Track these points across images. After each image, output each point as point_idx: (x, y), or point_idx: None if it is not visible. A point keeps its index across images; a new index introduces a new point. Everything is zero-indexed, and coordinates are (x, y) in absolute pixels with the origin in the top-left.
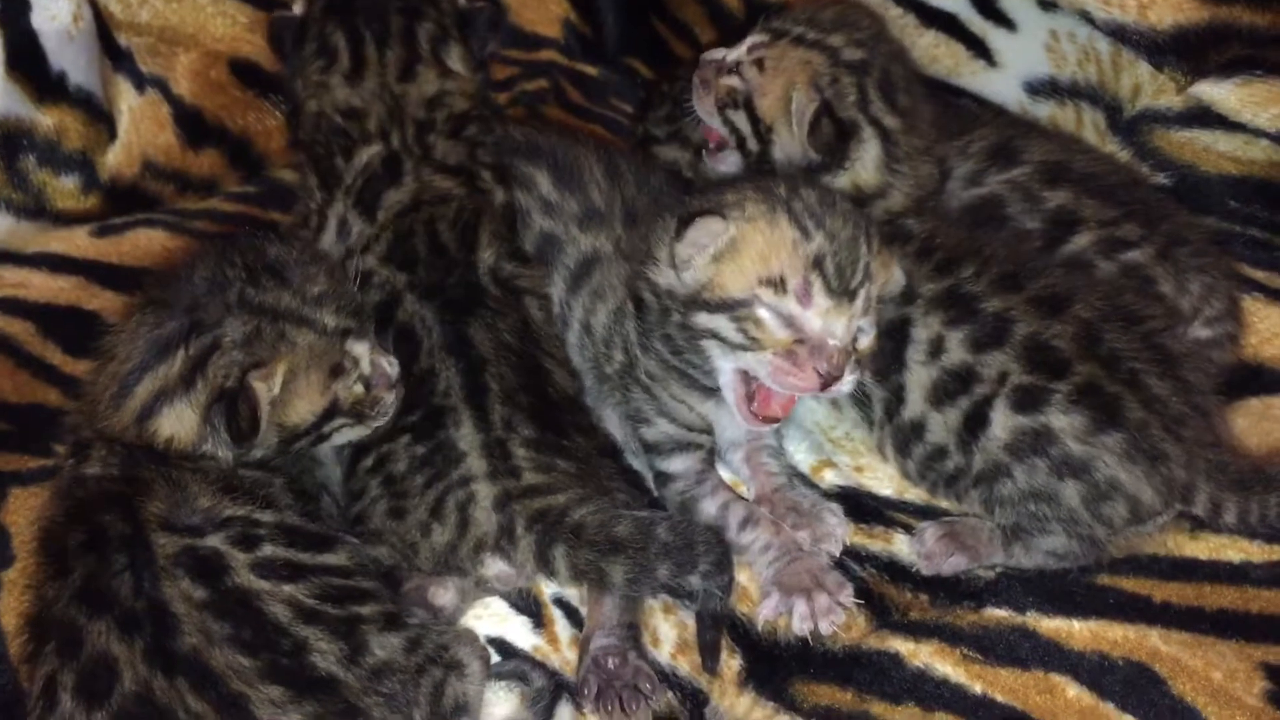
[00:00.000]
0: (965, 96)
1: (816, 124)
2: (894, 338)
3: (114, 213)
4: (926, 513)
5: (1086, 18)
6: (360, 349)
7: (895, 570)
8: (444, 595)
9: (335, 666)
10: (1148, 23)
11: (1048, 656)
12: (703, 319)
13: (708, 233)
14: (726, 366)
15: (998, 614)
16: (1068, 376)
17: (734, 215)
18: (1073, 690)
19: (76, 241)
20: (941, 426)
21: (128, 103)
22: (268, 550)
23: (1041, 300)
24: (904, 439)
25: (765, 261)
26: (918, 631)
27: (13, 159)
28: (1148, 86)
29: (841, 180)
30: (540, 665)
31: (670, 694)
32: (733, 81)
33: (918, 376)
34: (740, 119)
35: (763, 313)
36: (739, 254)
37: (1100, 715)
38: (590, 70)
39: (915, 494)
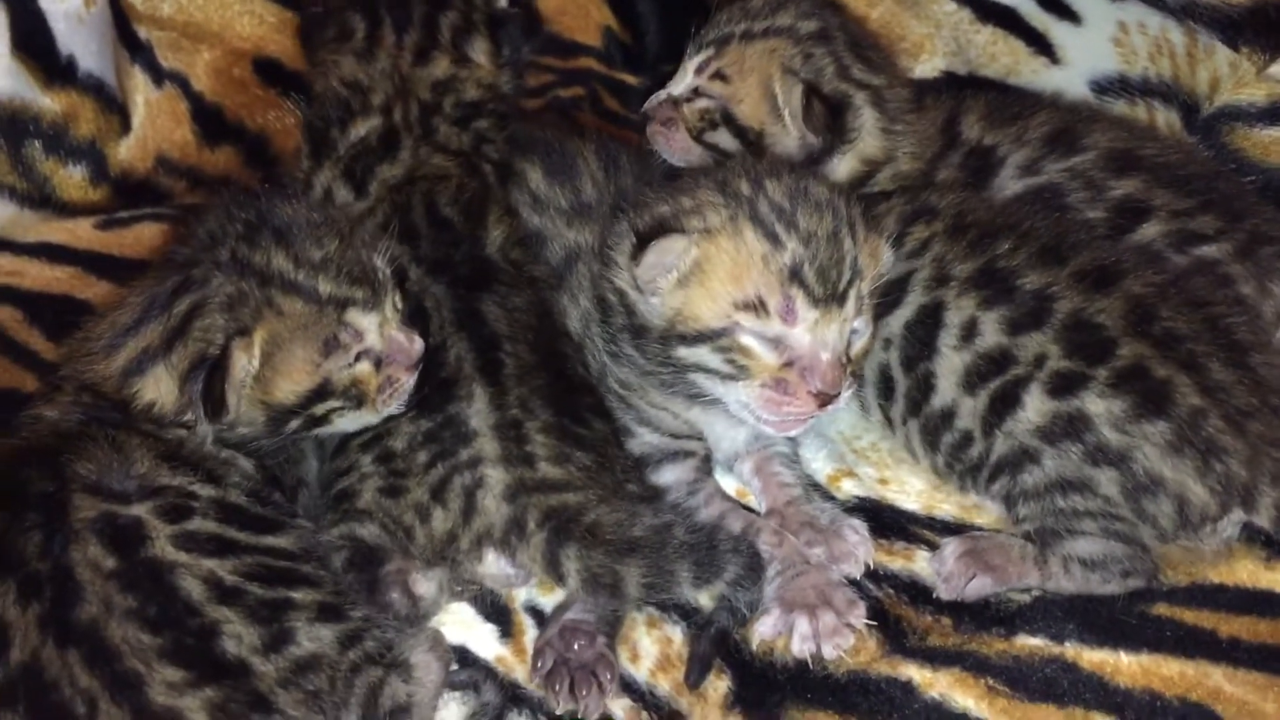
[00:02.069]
0: None
1: (808, 106)
2: (925, 323)
3: (122, 207)
4: (956, 530)
5: None
6: (367, 322)
7: (916, 591)
8: (424, 585)
9: (248, 653)
10: None
11: (1089, 692)
12: (683, 353)
13: (668, 253)
14: (729, 397)
15: (1032, 642)
16: (1110, 359)
17: (694, 228)
18: None
19: (79, 233)
20: (970, 411)
21: (144, 96)
22: (196, 523)
23: (1086, 274)
24: (932, 430)
25: (737, 283)
26: (936, 658)
27: (17, 145)
28: (1227, 80)
29: (849, 158)
30: (494, 676)
31: (644, 715)
32: (701, 104)
33: (950, 362)
34: (723, 137)
35: (747, 339)
36: (707, 277)
37: None
38: (630, 79)
39: (945, 509)
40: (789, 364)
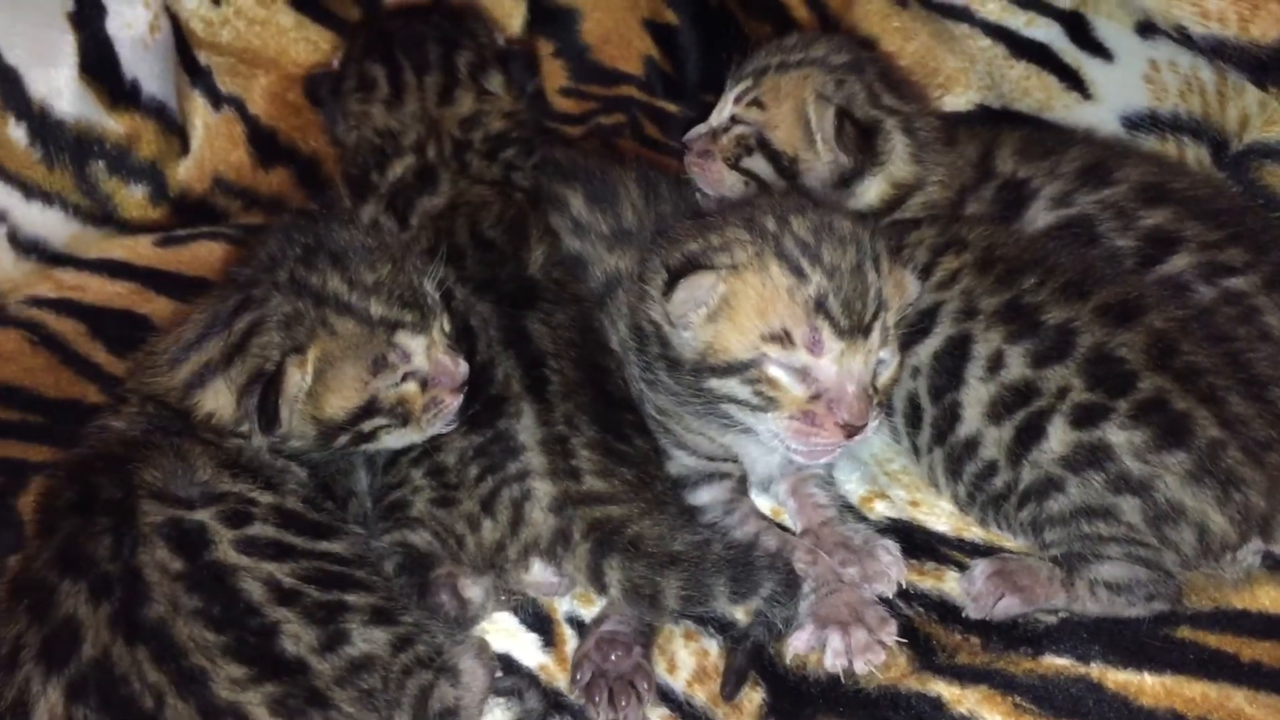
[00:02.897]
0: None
1: (840, 127)
2: (953, 355)
3: (180, 225)
4: (985, 552)
5: (1184, 36)
6: (415, 344)
7: (945, 610)
8: (473, 589)
9: (306, 652)
10: (1249, 37)
11: (1113, 712)
12: (715, 384)
13: (697, 289)
14: (760, 427)
15: (1058, 662)
16: (1131, 392)
17: (721, 264)
18: None
19: (139, 250)
20: (995, 441)
21: (202, 119)
22: (256, 529)
23: (1109, 308)
24: (956, 459)
25: (764, 316)
26: (964, 676)
27: (82, 164)
28: (1256, 118)
29: (879, 181)
30: (536, 684)
31: None
32: (737, 130)
33: (976, 393)
34: (758, 163)
35: (774, 371)
36: (735, 311)
37: None
38: (670, 107)
39: (975, 531)
40: (816, 396)
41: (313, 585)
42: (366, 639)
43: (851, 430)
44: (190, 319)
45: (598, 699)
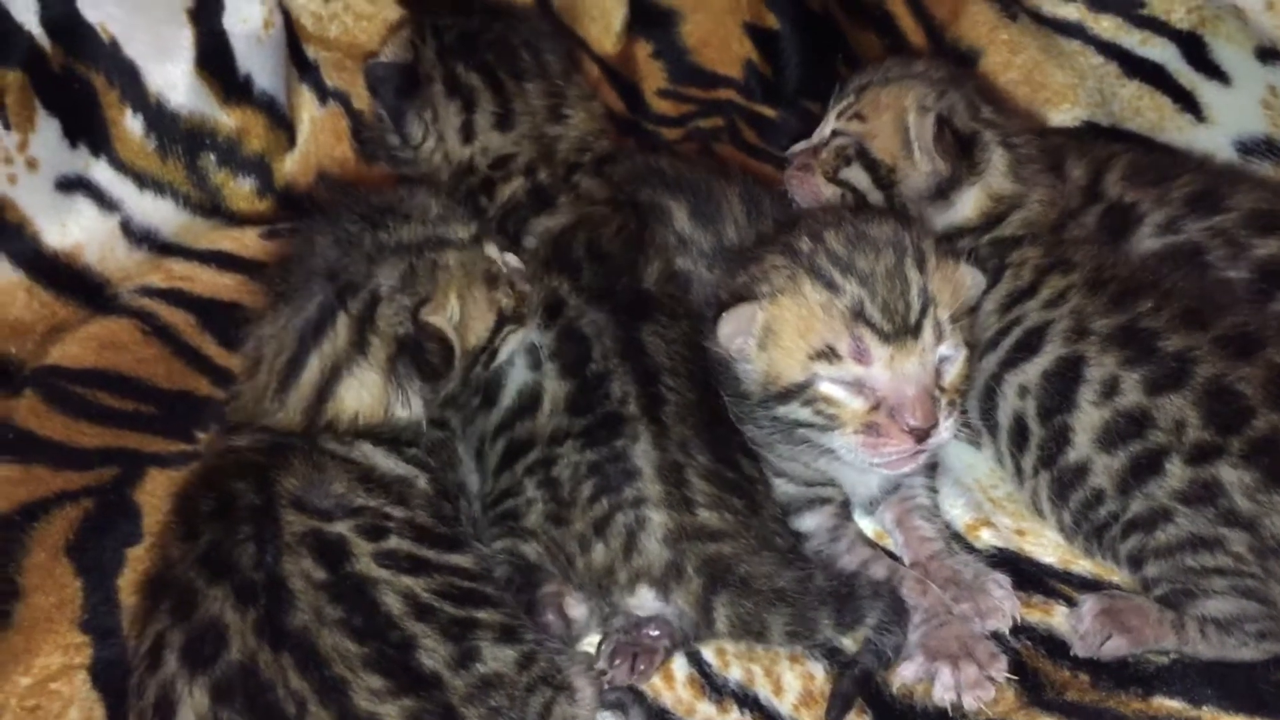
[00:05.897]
0: None
1: (940, 133)
2: (1065, 376)
3: (284, 218)
4: (1093, 586)
5: None
6: (494, 251)
7: (1053, 645)
8: (577, 609)
9: (442, 667)
10: None
11: None
12: (781, 411)
13: (739, 321)
14: (834, 444)
15: (1169, 704)
16: (1245, 429)
17: (761, 293)
18: None
19: (245, 241)
20: (1104, 469)
21: (309, 113)
22: (393, 542)
23: (1229, 340)
24: (1063, 485)
25: (805, 336)
26: (1073, 714)
27: (194, 156)
28: None
29: (977, 192)
30: (642, 700)
31: None
32: (838, 142)
33: (1088, 417)
34: (856, 174)
35: (827, 388)
36: (779, 336)
37: None
38: (768, 112)
39: (1082, 564)
40: (876, 406)
41: (447, 601)
42: (496, 657)
43: (920, 434)
44: (264, 354)
45: (604, 648)
